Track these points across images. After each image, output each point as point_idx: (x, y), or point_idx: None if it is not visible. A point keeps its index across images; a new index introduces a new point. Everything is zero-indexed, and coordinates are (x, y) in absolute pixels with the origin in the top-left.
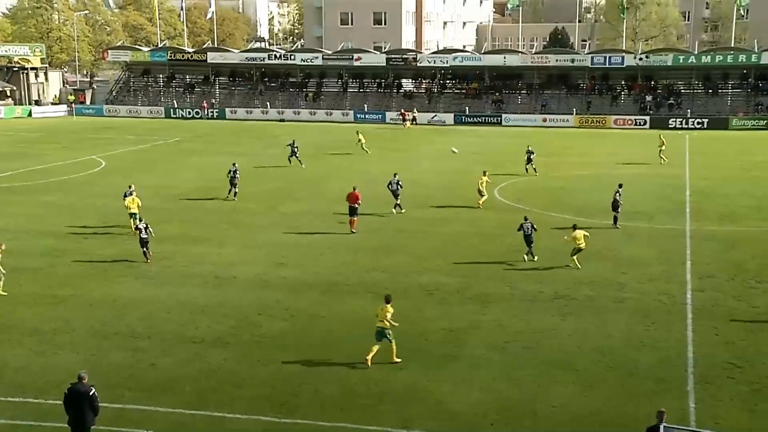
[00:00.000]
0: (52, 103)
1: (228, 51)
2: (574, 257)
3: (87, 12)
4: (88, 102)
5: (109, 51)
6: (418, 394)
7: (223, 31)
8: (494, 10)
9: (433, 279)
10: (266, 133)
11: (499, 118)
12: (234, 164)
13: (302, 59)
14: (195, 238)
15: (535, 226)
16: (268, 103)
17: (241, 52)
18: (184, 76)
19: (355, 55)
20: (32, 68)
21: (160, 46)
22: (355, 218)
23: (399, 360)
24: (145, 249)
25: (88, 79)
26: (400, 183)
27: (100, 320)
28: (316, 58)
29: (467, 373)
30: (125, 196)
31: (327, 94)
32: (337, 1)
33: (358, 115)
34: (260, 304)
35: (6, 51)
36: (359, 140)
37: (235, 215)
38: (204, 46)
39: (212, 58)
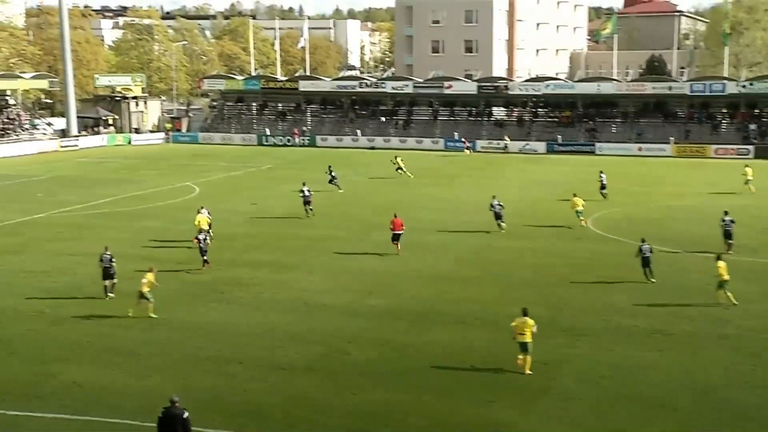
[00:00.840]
0: (151, 131)
1: (319, 79)
2: (728, 293)
3: (185, 42)
4: (184, 129)
5: (204, 80)
6: (508, 428)
7: (315, 59)
8: (588, 37)
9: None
10: (356, 161)
11: (592, 147)
12: (304, 183)
13: (393, 87)
14: (285, 264)
15: (652, 249)
16: (358, 131)
17: (333, 80)
18: (277, 103)
19: (446, 83)
20: (133, 97)
21: (253, 74)
22: (397, 242)
23: (530, 372)
24: (204, 257)
25: (185, 108)
26: (501, 204)
27: (193, 344)
28: (407, 86)
29: (558, 408)
30: (198, 212)
31: (417, 122)
32: (428, 30)
33: (449, 143)
34: (349, 332)
35: (110, 81)
36: (396, 163)
37: (326, 242)
38: (296, 74)
39: (304, 86)
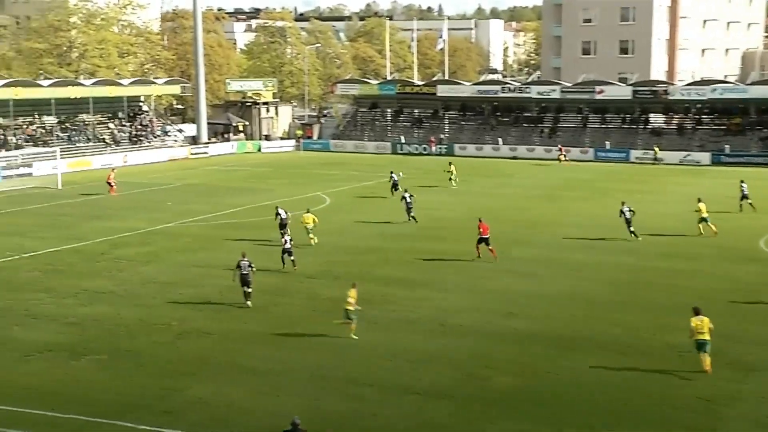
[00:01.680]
0: (281, 138)
1: (459, 83)
2: None
3: (318, 45)
4: (315, 137)
5: (337, 84)
6: None
7: (454, 63)
8: (766, 34)
9: (679, 339)
10: (497, 171)
11: (767, 158)
12: (405, 190)
13: (538, 92)
14: (418, 281)
15: None
16: (499, 139)
17: (473, 84)
18: (413, 109)
19: (597, 88)
20: (264, 103)
21: (389, 78)
22: (490, 246)
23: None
24: (291, 257)
25: (316, 114)
26: (632, 210)
27: (320, 364)
28: (554, 90)
29: None
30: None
31: (564, 129)
32: (578, 30)
33: (599, 153)
34: (487, 355)
35: (241, 86)
36: (449, 171)
37: (461, 258)
38: (434, 79)
39: (442, 90)
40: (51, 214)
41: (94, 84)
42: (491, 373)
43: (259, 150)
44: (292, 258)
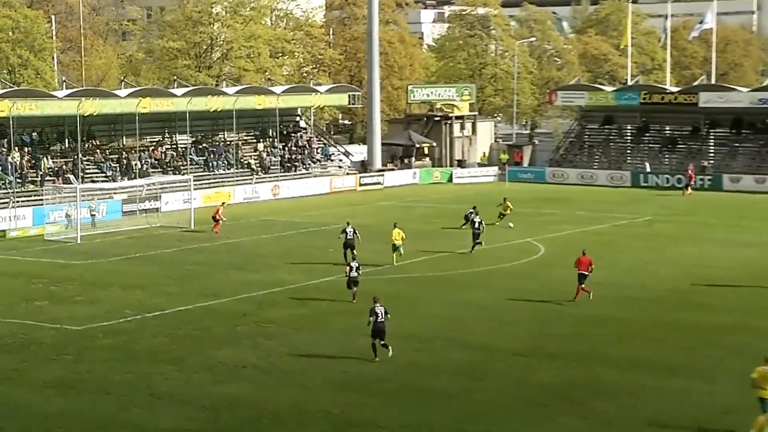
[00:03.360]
0: (479, 164)
1: (731, 89)
2: None
3: (533, 39)
4: (525, 163)
5: (558, 92)
6: None
7: (724, 61)
8: None
9: None
10: None
11: None
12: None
13: None
14: (671, 366)
15: None
16: None
17: (752, 90)
18: (663, 126)
19: None
20: (458, 117)
21: (630, 83)
22: (582, 285)
23: None
24: (354, 288)
25: (528, 132)
26: None
27: None
28: None
29: None
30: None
31: None
32: None
33: None
34: None
35: (428, 95)
36: (507, 208)
37: (735, 335)
38: (695, 84)
39: (706, 100)
40: (181, 261)
41: (238, 92)
42: None
43: (450, 180)
44: (354, 290)
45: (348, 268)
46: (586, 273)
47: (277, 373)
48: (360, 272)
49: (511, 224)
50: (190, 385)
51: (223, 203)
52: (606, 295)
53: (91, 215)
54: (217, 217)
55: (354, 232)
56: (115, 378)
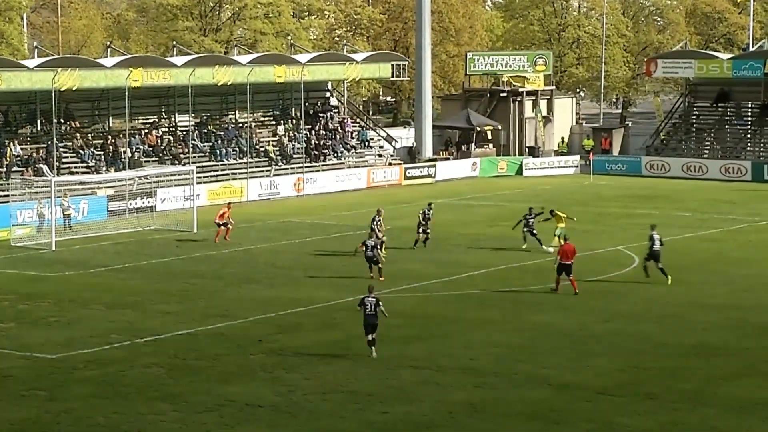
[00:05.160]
0: (556, 153)
1: None
2: None
3: None
4: (615, 151)
5: (657, 60)
6: None
7: None
8: None
9: None
10: None
11: None
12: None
13: None
14: None
15: None
16: None
17: None
18: None
19: None
20: (529, 93)
21: (752, 49)
22: (571, 278)
23: None
24: (374, 266)
25: (619, 111)
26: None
27: None
28: None
29: None
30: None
31: None
32: None
33: None
34: None
35: (491, 65)
36: (564, 218)
37: None
38: None
39: None
40: (182, 274)
41: (253, 62)
42: None
43: (520, 172)
44: (378, 267)
45: (362, 246)
46: (570, 263)
47: (300, 415)
48: (377, 251)
49: (551, 248)
50: (191, 428)
51: (230, 204)
52: (716, 319)
53: (65, 215)
54: (222, 221)
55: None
56: (98, 419)
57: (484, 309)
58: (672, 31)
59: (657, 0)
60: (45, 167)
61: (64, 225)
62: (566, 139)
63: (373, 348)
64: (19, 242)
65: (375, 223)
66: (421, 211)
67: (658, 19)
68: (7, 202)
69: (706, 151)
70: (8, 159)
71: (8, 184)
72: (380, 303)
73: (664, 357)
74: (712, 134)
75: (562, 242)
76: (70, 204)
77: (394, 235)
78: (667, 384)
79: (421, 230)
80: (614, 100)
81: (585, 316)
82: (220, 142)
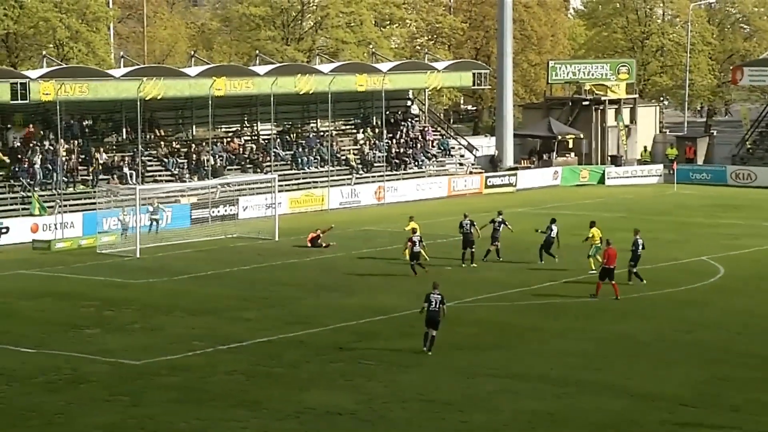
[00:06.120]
0: (639, 161)
1: None
2: None
3: (713, 0)
4: (699, 160)
5: (744, 69)
6: None
7: None
8: None
9: None
10: None
11: None
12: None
13: None
14: None
15: None
16: None
17: None
18: None
19: None
20: (611, 102)
21: None
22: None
23: None
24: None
25: (703, 120)
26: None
27: None
28: None
29: None
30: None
31: None
32: None
33: None
34: None
35: (574, 73)
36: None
37: None
38: None
39: None
40: (262, 281)
41: (335, 70)
42: None
43: (602, 181)
44: (416, 262)
45: (410, 243)
46: (613, 267)
47: (379, 423)
48: (423, 243)
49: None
50: None
51: (331, 227)
52: None
53: (151, 221)
54: (317, 243)
55: (471, 224)
56: (180, 425)
57: (562, 318)
58: (759, 38)
59: (743, 7)
60: (130, 174)
61: (153, 231)
62: (649, 148)
63: (428, 344)
64: (104, 250)
65: (495, 224)
66: (490, 221)
67: (745, 26)
68: (94, 209)
69: None
70: (95, 167)
71: (95, 191)
72: (444, 301)
73: (748, 368)
74: None
75: (606, 246)
76: (164, 208)
77: (477, 243)
78: (751, 396)
79: (494, 242)
80: (699, 108)
81: (664, 326)
82: (301, 150)
